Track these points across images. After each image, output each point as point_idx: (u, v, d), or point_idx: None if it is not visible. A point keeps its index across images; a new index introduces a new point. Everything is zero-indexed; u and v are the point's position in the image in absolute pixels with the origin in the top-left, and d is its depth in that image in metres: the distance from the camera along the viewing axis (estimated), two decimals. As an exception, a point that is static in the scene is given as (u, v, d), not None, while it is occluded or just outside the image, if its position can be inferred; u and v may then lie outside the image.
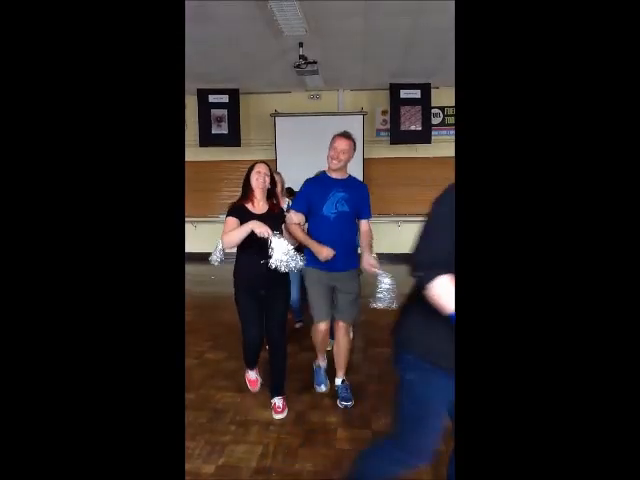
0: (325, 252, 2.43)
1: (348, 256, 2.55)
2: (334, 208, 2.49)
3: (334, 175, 2.55)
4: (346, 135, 2.51)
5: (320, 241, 2.47)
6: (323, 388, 2.78)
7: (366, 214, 2.65)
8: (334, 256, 2.44)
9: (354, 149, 2.54)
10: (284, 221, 2.51)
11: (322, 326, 2.62)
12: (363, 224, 2.65)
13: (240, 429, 2.32)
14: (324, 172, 2.60)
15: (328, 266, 2.50)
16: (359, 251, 2.61)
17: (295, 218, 2.54)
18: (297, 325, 3.98)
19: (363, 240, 2.62)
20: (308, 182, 2.63)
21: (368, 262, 2.46)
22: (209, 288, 5.68)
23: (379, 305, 2.34)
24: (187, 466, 1.97)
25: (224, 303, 4.97)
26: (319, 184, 2.56)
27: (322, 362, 2.88)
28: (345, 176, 2.59)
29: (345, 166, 2.55)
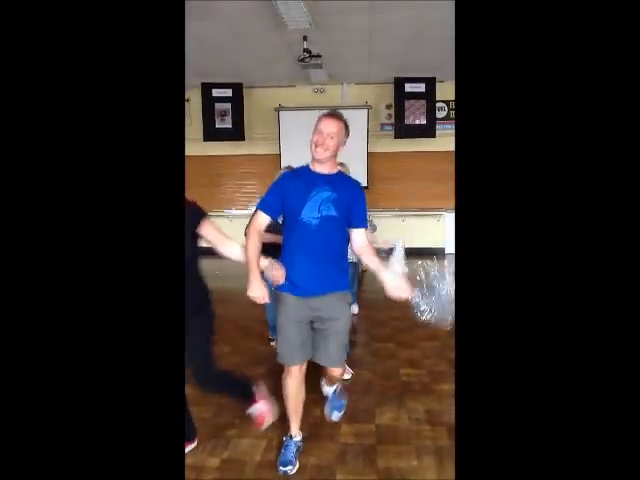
0: (256, 293, 1.85)
1: (335, 275, 1.93)
2: (317, 212, 1.84)
3: (318, 169, 1.90)
4: (335, 115, 1.89)
5: (297, 257, 1.88)
6: (290, 469, 1.95)
7: (361, 221, 1.95)
8: (313, 275, 1.87)
9: (346, 134, 1.91)
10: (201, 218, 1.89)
11: (295, 372, 1.96)
12: (357, 236, 1.95)
13: (244, 423, 2.33)
14: (307, 166, 1.96)
15: (307, 289, 1.87)
16: (375, 272, 1.91)
17: (261, 221, 1.92)
18: (272, 343, 3.30)
19: (367, 257, 1.94)
20: (285, 176, 2.03)
21: (396, 287, 1.84)
22: (213, 283, 5.69)
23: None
24: (192, 460, 1.99)
25: (228, 298, 4.98)
26: (298, 179, 1.91)
27: (295, 431, 2.09)
28: (333, 170, 1.93)
29: (334, 157, 1.90)
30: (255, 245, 1.88)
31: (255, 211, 1.95)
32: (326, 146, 1.83)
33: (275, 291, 1.96)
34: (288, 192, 1.89)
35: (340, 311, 1.93)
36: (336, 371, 2.02)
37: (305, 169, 1.94)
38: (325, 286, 1.89)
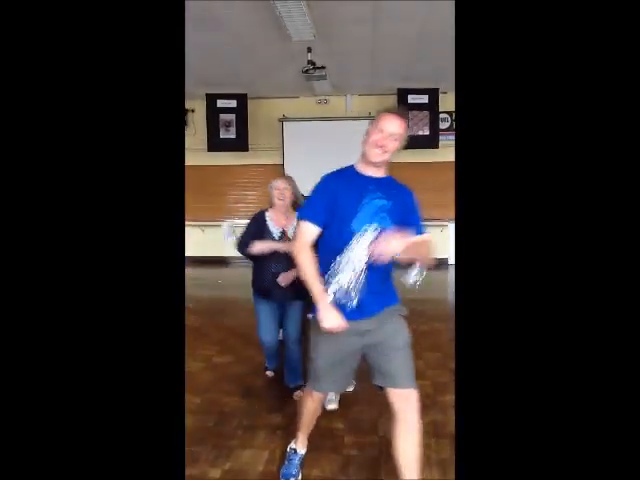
0: (331, 322, 1.50)
1: (387, 291, 1.69)
2: (370, 223, 1.55)
3: (370, 172, 1.65)
4: (400, 113, 1.62)
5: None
6: None
7: (417, 226, 1.67)
8: (360, 301, 1.53)
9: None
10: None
11: (320, 396, 1.81)
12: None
13: (247, 434, 2.32)
14: (352, 167, 1.70)
15: (356, 312, 1.54)
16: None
17: (309, 234, 1.60)
18: (268, 373, 3.06)
19: (414, 249, 1.54)
20: (330, 177, 1.67)
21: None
22: (216, 292, 5.69)
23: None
24: (193, 470, 1.97)
25: (231, 307, 4.98)
26: (347, 183, 1.62)
27: (301, 445, 1.98)
28: (385, 174, 1.71)
29: (388, 160, 1.65)
30: (312, 264, 1.56)
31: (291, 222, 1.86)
32: (386, 148, 1.58)
33: (312, 318, 1.67)
34: (335, 198, 1.58)
35: (396, 324, 1.64)
36: (414, 393, 1.60)
37: (351, 171, 1.67)
38: (376, 305, 1.61)
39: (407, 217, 1.66)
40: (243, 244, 2.56)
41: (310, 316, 1.76)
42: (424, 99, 7.24)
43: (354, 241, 1.50)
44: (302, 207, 1.73)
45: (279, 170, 7.59)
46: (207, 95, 7.44)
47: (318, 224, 1.59)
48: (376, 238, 1.49)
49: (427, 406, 2.58)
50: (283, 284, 2.47)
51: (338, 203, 1.58)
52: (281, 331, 2.76)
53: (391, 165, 1.71)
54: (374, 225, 1.53)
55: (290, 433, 2.29)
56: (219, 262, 7.61)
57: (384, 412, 2.50)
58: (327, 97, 7.71)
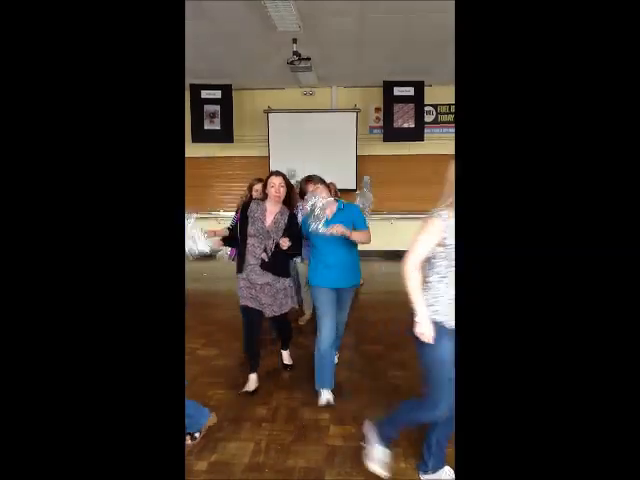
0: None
1: None
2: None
3: None
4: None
5: None
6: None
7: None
8: None
9: None
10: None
11: None
12: None
13: (232, 426, 2.32)
14: None
15: None
16: None
17: None
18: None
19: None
20: None
21: None
22: (201, 285, 5.66)
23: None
24: (179, 463, 1.97)
25: (216, 300, 4.96)
26: None
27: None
28: None
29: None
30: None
31: None
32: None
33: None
34: None
35: None
36: None
37: None
38: None
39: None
40: None
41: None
42: (410, 92, 7.25)
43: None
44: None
45: (265, 162, 7.54)
46: (191, 85, 7.34)
47: None
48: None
49: (412, 396, 2.61)
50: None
51: None
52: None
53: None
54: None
55: (276, 425, 2.30)
56: (204, 255, 7.53)
57: (368, 404, 2.53)
58: (313, 89, 7.67)
